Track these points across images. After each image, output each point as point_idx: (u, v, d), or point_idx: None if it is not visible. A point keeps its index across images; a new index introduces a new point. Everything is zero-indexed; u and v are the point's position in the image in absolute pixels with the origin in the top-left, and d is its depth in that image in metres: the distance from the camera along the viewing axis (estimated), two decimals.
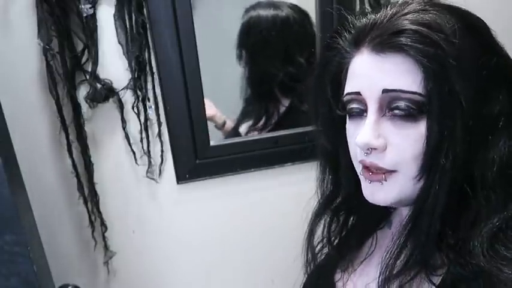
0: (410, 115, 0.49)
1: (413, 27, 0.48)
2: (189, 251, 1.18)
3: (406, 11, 0.50)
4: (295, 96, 1.17)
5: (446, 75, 0.47)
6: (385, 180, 0.52)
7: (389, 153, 0.51)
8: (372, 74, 0.51)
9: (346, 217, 0.70)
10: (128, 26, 0.95)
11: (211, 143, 1.10)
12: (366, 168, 0.54)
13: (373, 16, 0.53)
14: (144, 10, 0.95)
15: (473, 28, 0.51)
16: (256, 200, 1.18)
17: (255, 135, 1.17)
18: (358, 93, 0.53)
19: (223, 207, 1.17)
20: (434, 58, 0.47)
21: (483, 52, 0.50)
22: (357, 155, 0.55)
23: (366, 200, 0.56)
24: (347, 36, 0.55)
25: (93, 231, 1.07)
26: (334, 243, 0.70)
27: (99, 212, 1.06)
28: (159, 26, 0.97)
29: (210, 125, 1.10)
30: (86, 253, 1.10)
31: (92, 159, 1.02)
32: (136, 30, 0.96)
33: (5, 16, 0.90)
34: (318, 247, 0.71)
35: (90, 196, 1.04)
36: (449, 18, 0.49)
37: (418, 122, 0.49)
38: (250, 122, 1.18)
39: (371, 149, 0.52)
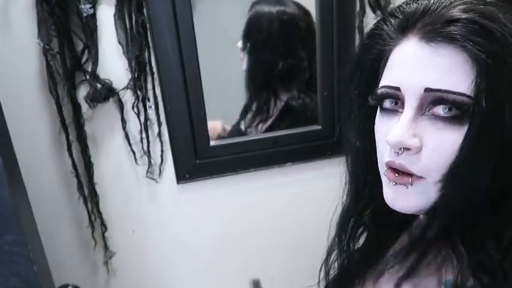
0: (454, 118, 0.43)
1: (471, 16, 0.42)
2: (189, 251, 1.18)
3: (462, 0, 0.44)
4: (294, 91, 1.18)
5: (501, 77, 0.40)
6: (411, 185, 0.47)
7: (423, 157, 0.45)
8: (416, 67, 0.45)
9: (368, 228, 0.62)
10: (127, 26, 0.95)
11: (211, 143, 1.10)
12: (392, 169, 0.48)
13: (425, 2, 0.47)
14: (144, 10, 0.95)
15: None
16: (255, 200, 1.18)
17: (254, 135, 1.17)
18: (398, 89, 0.47)
19: (223, 207, 1.17)
20: (492, 54, 0.40)
21: None
22: (384, 154, 0.49)
23: (389, 209, 0.51)
24: (393, 21, 0.49)
25: (93, 231, 1.07)
26: (352, 255, 0.64)
27: (99, 212, 1.06)
28: (159, 26, 0.97)
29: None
30: (85, 253, 1.10)
31: (92, 159, 1.02)
32: (136, 30, 0.96)
33: (5, 16, 0.90)
34: (334, 259, 0.66)
35: (90, 196, 1.04)
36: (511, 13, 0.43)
37: (461, 126, 0.43)
38: (249, 116, 1.19)
39: (403, 149, 0.45)
